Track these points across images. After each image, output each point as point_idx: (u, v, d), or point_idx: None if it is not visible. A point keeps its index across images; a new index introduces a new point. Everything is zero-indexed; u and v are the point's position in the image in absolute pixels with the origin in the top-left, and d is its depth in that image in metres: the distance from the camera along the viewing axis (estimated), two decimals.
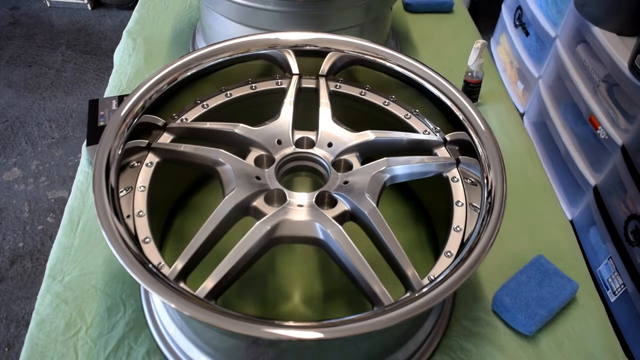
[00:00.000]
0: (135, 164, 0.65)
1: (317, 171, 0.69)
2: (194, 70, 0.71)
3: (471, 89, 1.02)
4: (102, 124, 0.86)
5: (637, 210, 1.32)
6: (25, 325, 1.46)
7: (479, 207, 0.62)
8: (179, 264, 0.55)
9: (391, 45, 1.13)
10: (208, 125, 0.70)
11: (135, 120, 0.64)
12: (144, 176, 0.64)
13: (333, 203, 0.63)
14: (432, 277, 0.57)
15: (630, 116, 1.39)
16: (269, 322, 0.48)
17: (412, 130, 0.73)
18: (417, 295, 0.51)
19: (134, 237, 0.57)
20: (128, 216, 0.59)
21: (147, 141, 0.67)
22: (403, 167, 0.66)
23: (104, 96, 0.96)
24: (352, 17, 0.94)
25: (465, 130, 0.66)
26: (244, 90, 0.76)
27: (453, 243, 0.60)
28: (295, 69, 0.76)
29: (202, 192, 0.85)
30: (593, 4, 1.53)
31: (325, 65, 0.76)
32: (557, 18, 1.78)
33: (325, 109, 0.72)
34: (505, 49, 2.20)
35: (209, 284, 0.54)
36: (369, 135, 0.70)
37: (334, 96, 0.75)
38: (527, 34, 1.99)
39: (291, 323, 0.48)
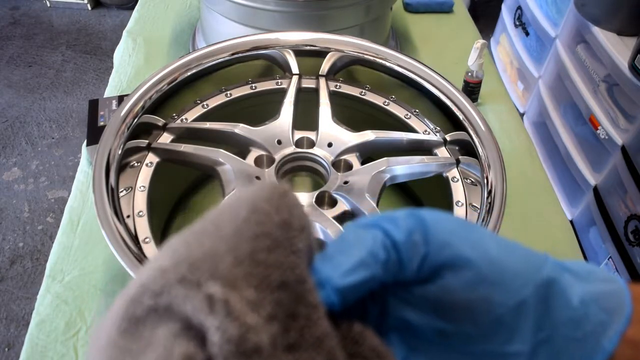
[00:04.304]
0: (135, 164, 0.65)
1: (317, 171, 0.69)
2: (194, 70, 0.71)
3: (471, 89, 1.02)
4: (102, 124, 0.86)
5: (637, 210, 1.32)
6: (25, 325, 1.46)
7: (479, 207, 0.62)
8: None
9: (391, 45, 1.13)
10: (208, 125, 0.70)
11: (135, 120, 0.64)
12: (144, 176, 0.64)
13: (333, 203, 0.63)
14: None
15: (630, 116, 1.39)
16: None
17: (412, 130, 0.73)
18: None
19: (134, 237, 0.57)
20: (128, 216, 0.59)
21: (147, 141, 0.67)
22: (403, 167, 0.66)
23: (104, 96, 0.96)
24: (352, 17, 0.94)
25: (465, 130, 0.66)
26: (244, 90, 0.76)
27: None
28: (295, 69, 0.76)
29: (202, 192, 0.85)
30: (593, 4, 1.53)
31: (325, 65, 0.76)
32: (557, 18, 1.78)
33: (325, 109, 0.72)
34: (505, 49, 2.20)
35: None
36: (369, 135, 0.69)
37: (334, 96, 0.75)
38: (527, 34, 1.99)
39: None
